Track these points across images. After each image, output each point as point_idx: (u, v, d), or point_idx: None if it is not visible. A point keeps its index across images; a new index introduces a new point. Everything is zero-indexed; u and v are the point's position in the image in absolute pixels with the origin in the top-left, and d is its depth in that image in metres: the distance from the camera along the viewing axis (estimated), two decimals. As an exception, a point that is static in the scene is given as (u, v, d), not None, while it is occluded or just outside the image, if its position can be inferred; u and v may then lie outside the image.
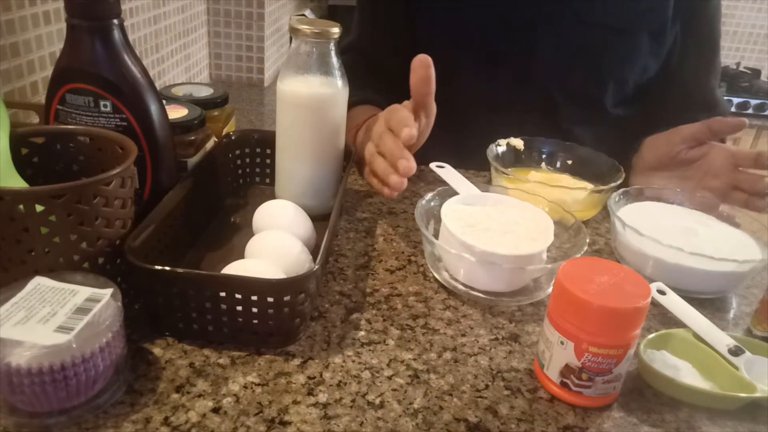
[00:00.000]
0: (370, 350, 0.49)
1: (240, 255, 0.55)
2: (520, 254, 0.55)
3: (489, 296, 0.56)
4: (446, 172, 0.70)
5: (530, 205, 0.63)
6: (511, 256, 0.55)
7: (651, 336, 0.50)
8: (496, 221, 0.60)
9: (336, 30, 0.60)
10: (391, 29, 0.90)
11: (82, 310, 0.40)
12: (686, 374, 0.48)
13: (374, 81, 0.89)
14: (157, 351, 0.47)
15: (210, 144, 0.69)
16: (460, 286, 0.57)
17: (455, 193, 0.65)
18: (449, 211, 0.61)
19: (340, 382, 0.46)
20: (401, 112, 0.62)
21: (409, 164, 0.58)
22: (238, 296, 0.45)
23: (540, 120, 0.87)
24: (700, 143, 0.75)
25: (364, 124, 0.78)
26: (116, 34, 0.52)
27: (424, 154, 0.94)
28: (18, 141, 0.51)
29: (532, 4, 0.82)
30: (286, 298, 0.46)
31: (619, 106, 0.89)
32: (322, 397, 0.44)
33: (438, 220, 0.65)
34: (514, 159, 0.80)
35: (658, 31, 0.84)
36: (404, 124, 0.59)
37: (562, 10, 0.82)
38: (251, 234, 0.58)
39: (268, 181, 0.74)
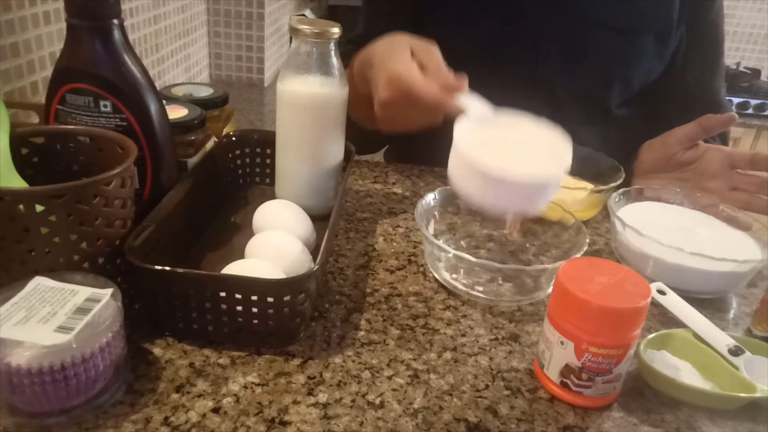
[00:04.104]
0: (370, 350, 0.49)
1: (240, 255, 0.55)
2: (538, 172, 0.53)
3: (489, 296, 0.56)
4: None
5: (546, 127, 0.59)
6: (529, 173, 0.52)
7: (651, 336, 0.50)
8: (511, 141, 0.57)
9: (336, 30, 0.60)
10: (398, 28, 0.90)
11: (82, 310, 0.40)
12: (686, 374, 0.48)
13: None
14: (157, 351, 0.47)
15: (210, 144, 0.69)
16: (460, 286, 0.57)
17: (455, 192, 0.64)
18: (461, 131, 0.56)
19: (340, 382, 0.46)
20: (434, 51, 0.60)
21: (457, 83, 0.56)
22: (238, 296, 0.45)
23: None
24: (694, 143, 0.75)
25: (358, 55, 0.72)
26: (116, 34, 0.52)
27: (426, 152, 0.93)
28: (18, 141, 0.51)
29: (540, 5, 0.82)
30: (286, 298, 0.46)
31: (623, 106, 0.89)
32: (322, 397, 0.44)
33: (438, 221, 0.65)
34: (514, 159, 0.80)
35: (664, 33, 0.84)
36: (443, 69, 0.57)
37: (569, 12, 0.82)
38: (251, 234, 0.58)
39: (268, 181, 0.74)
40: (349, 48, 0.63)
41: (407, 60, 0.60)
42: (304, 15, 2.05)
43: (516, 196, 0.53)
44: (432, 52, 0.61)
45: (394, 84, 0.59)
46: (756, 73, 2.54)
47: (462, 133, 0.56)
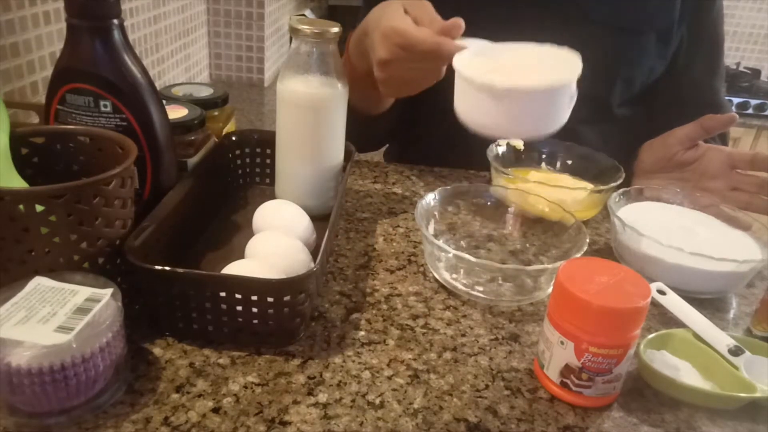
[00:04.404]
0: (370, 350, 0.49)
1: (240, 255, 0.55)
2: (548, 77, 0.50)
3: (489, 296, 0.56)
4: None
5: (551, 46, 0.56)
6: (538, 79, 0.49)
7: (651, 336, 0.50)
8: (516, 62, 0.54)
9: (336, 30, 0.60)
10: None
11: (82, 310, 0.40)
12: (686, 374, 0.48)
13: None
14: (157, 351, 0.47)
15: (210, 144, 0.69)
16: (460, 286, 0.57)
17: (456, 191, 0.65)
18: (462, 60, 0.54)
19: (340, 382, 0.46)
20: (427, 5, 0.59)
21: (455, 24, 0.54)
22: (238, 296, 0.45)
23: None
24: (694, 143, 0.75)
25: (353, 33, 0.72)
26: (116, 34, 0.52)
27: (424, 153, 0.93)
28: (18, 141, 0.51)
29: (541, 4, 0.82)
30: (286, 298, 0.46)
31: (624, 105, 0.89)
32: (322, 397, 0.44)
33: (438, 221, 0.65)
34: (514, 159, 0.80)
35: (665, 32, 0.84)
36: (434, 17, 0.56)
37: (570, 10, 0.82)
38: (251, 234, 0.58)
39: (268, 181, 0.74)
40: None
41: (401, 16, 0.59)
42: (304, 15, 2.05)
43: (529, 109, 0.50)
44: (425, 6, 0.60)
45: (389, 38, 0.58)
46: (756, 73, 2.54)
47: (463, 61, 0.53)
